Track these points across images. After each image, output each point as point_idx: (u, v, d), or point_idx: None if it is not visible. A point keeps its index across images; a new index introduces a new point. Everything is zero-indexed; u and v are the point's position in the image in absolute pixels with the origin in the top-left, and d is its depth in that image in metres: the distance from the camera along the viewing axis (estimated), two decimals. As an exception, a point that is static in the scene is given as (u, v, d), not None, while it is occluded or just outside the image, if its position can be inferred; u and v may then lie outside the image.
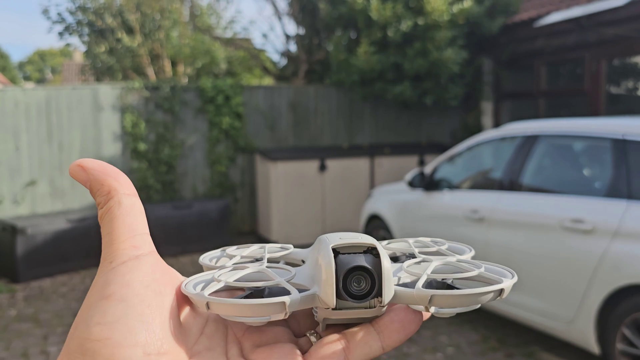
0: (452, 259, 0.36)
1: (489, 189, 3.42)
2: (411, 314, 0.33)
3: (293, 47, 8.06)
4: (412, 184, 3.98)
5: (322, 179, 5.62)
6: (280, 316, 0.31)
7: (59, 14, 7.99)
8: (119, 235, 0.32)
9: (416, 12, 5.45)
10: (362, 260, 0.31)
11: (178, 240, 5.31)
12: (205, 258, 0.40)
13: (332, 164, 5.64)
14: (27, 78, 35.14)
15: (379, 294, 0.31)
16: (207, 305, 0.31)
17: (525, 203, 3.09)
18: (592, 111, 5.16)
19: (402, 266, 0.35)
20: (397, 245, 0.41)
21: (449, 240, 0.41)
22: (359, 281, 0.31)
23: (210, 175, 6.12)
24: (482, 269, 0.34)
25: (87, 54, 8.33)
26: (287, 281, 0.33)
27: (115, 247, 0.31)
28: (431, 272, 0.33)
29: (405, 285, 0.33)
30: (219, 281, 0.33)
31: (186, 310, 0.33)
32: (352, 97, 6.44)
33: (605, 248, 2.54)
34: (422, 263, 0.36)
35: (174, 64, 8.38)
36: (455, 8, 5.36)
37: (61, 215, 5.02)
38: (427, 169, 3.97)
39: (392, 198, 4.30)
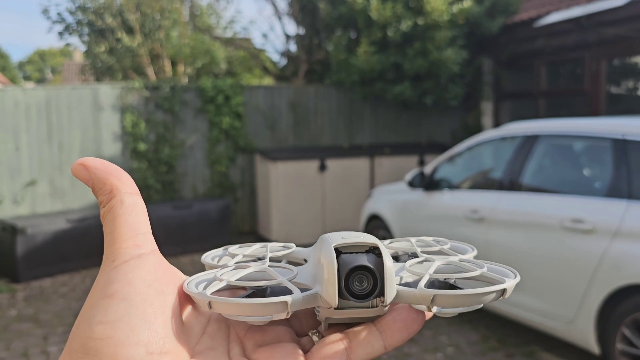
0: (454, 258, 0.36)
1: (489, 189, 3.42)
2: (413, 314, 0.33)
3: (293, 47, 8.06)
4: (412, 184, 3.98)
5: (322, 179, 5.62)
6: (282, 316, 0.31)
7: (59, 14, 7.99)
8: (121, 234, 0.32)
9: (416, 12, 5.45)
10: (365, 260, 0.31)
11: (178, 240, 5.31)
12: (208, 257, 0.40)
13: (332, 164, 5.64)
14: (27, 78, 35.14)
15: (381, 293, 0.31)
16: (209, 305, 0.31)
17: (525, 203, 3.09)
18: (592, 111, 5.16)
19: (405, 266, 0.35)
20: (399, 245, 0.41)
21: (452, 240, 0.41)
22: (361, 281, 0.31)
23: (210, 175, 6.12)
24: (485, 269, 0.33)
25: (87, 53, 8.32)
26: (289, 280, 0.33)
27: (117, 246, 0.31)
28: (433, 272, 0.33)
29: (407, 284, 0.33)
30: (221, 280, 0.33)
31: (188, 309, 0.33)
32: (352, 97, 6.44)
33: (605, 248, 2.54)
34: (424, 262, 0.36)
35: (174, 64, 8.38)
36: (455, 8, 5.36)
37: (61, 215, 5.01)
38: (427, 169, 3.97)
39: (392, 198, 4.30)
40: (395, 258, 0.41)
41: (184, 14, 8.53)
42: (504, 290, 0.31)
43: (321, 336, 0.34)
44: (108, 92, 5.67)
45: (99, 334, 0.28)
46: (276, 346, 0.33)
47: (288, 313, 0.30)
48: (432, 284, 0.33)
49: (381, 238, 0.33)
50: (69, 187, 5.51)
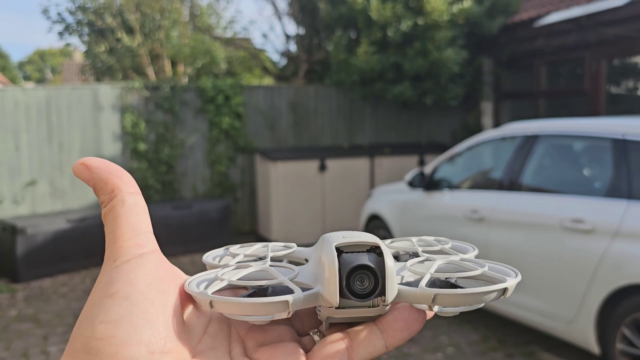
0: (455, 257, 0.36)
1: (489, 189, 3.42)
2: (415, 313, 0.33)
3: (293, 47, 8.06)
4: (412, 184, 3.98)
5: (322, 179, 5.62)
6: (284, 315, 0.31)
7: (59, 14, 7.99)
8: (123, 233, 0.32)
9: (416, 12, 5.45)
10: (366, 259, 0.31)
11: (178, 240, 5.31)
12: (209, 257, 0.40)
13: (332, 164, 5.64)
14: (27, 78, 35.14)
15: (383, 292, 0.31)
16: (211, 304, 0.31)
17: (525, 203, 3.09)
18: (592, 111, 5.16)
19: (406, 265, 0.35)
20: (400, 244, 0.41)
21: (453, 240, 0.41)
22: (362, 280, 0.31)
23: (210, 175, 6.12)
24: (486, 268, 0.33)
25: (87, 53, 8.32)
26: (291, 280, 0.33)
27: (119, 246, 0.31)
28: (435, 271, 0.33)
29: (408, 284, 0.33)
30: (222, 280, 0.33)
31: (189, 308, 0.33)
32: (352, 97, 6.44)
33: (605, 248, 2.54)
34: (425, 262, 0.36)
35: (174, 64, 8.38)
36: (455, 8, 5.36)
37: (61, 215, 5.01)
38: (427, 169, 3.97)
39: (392, 198, 4.30)
40: (396, 258, 0.41)
41: (184, 14, 8.53)
42: (505, 289, 0.31)
43: (322, 336, 0.34)
44: (108, 92, 5.67)
45: (101, 334, 0.28)
46: (277, 346, 0.33)
47: (289, 312, 0.30)
48: (434, 283, 0.33)
49: (381, 238, 0.33)
50: (69, 187, 5.51)
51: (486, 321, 3.56)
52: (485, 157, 3.86)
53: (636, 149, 2.63)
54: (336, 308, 0.32)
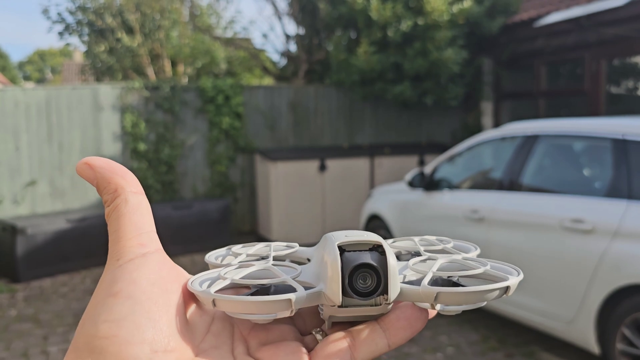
0: (457, 256, 0.36)
1: (489, 189, 3.42)
2: (417, 312, 0.33)
3: (293, 47, 8.06)
4: (412, 184, 3.98)
5: (322, 179, 5.62)
6: (287, 313, 0.31)
7: (59, 14, 7.99)
8: (126, 233, 0.32)
9: (416, 12, 5.45)
10: (368, 258, 0.31)
11: (178, 241, 5.31)
12: (211, 256, 0.40)
13: (332, 164, 5.64)
14: (27, 78, 35.13)
15: (385, 291, 0.31)
16: (214, 303, 0.31)
17: (525, 203, 3.09)
18: (592, 111, 5.16)
19: (408, 264, 0.35)
20: (402, 244, 0.41)
21: (454, 239, 0.41)
22: (364, 278, 0.31)
23: (210, 175, 6.12)
24: (488, 267, 0.34)
25: (87, 53, 8.32)
26: (293, 279, 0.33)
27: (122, 245, 0.31)
28: (437, 270, 0.33)
29: (411, 283, 0.33)
30: (225, 279, 0.33)
31: (192, 308, 0.33)
32: (352, 97, 6.45)
33: (605, 248, 2.55)
34: (427, 261, 0.36)
35: (174, 64, 8.38)
36: (455, 8, 5.36)
37: (61, 215, 5.01)
38: (427, 169, 3.97)
39: (392, 198, 4.30)
40: (398, 257, 0.41)
41: (184, 14, 8.53)
42: (507, 288, 0.31)
43: (325, 335, 0.34)
44: (108, 92, 5.67)
45: (104, 333, 0.28)
46: (280, 344, 0.33)
47: (292, 311, 0.30)
48: (436, 282, 0.34)
49: (382, 238, 0.33)
50: (69, 187, 5.51)
51: (486, 321, 3.56)
52: (485, 157, 3.86)
53: (636, 149, 2.63)
54: (339, 307, 0.32)
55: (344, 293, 0.31)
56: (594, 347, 2.62)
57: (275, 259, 0.39)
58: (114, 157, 5.65)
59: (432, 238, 0.41)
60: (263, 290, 0.34)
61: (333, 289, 0.31)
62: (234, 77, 8.39)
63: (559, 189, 3.11)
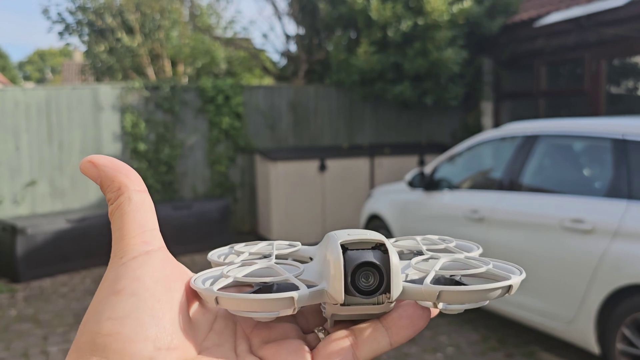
0: (460, 256, 0.36)
1: (489, 189, 3.42)
2: (419, 310, 0.33)
3: (293, 47, 8.06)
4: (412, 184, 3.98)
5: (322, 179, 5.62)
6: (289, 311, 0.31)
7: (59, 14, 7.99)
8: (129, 231, 0.32)
9: (416, 12, 5.45)
10: (371, 256, 0.31)
11: (178, 241, 5.31)
12: (214, 255, 0.40)
13: (332, 164, 5.64)
14: (27, 78, 35.13)
15: (387, 289, 0.31)
16: (216, 300, 0.31)
17: (525, 203, 3.09)
18: (592, 111, 5.16)
19: (410, 263, 0.35)
20: (405, 243, 0.42)
21: (457, 238, 0.41)
22: (367, 277, 0.31)
23: (210, 175, 6.12)
24: (490, 266, 0.34)
25: (87, 53, 8.32)
26: (296, 277, 0.33)
27: (125, 243, 0.32)
28: (439, 269, 0.34)
29: (413, 281, 0.33)
30: (227, 277, 0.33)
31: (195, 305, 0.33)
32: (352, 97, 6.45)
33: (605, 248, 2.55)
34: (430, 260, 0.36)
35: (174, 64, 8.38)
36: (455, 8, 5.36)
37: (61, 215, 5.01)
38: (427, 169, 3.98)
39: (392, 198, 4.30)
40: (400, 256, 0.41)
41: (184, 14, 8.53)
42: (509, 287, 0.31)
43: (327, 333, 0.34)
44: (108, 92, 5.67)
45: (107, 330, 0.28)
46: (282, 342, 0.33)
47: (295, 309, 0.30)
48: (438, 280, 0.34)
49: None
50: (69, 187, 5.51)
51: (486, 321, 3.56)
52: (485, 157, 3.86)
53: (636, 149, 2.63)
54: (341, 305, 0.32)
55: (347, 291, 0.31)
56: (594, 347, 2.62)
57: (277, 257, 0.39)
58: (114, 157, 5.62)
59: (435, 237, 0.41)
60: (266, 288, 0.34)
61: (335, 287, 0.31)
62: (234, 77, 8.40)
63: (559, 189, 3.11)
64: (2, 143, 5.19)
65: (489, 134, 3.66)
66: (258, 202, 6.11)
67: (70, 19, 8.01)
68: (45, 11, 7.96)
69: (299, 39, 7.67)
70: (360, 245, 0.32)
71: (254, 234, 6.23)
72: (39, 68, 36.84)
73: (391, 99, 5.98)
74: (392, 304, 0.33)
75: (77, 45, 16.18)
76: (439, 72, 5.54)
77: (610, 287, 2.51)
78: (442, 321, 3.56)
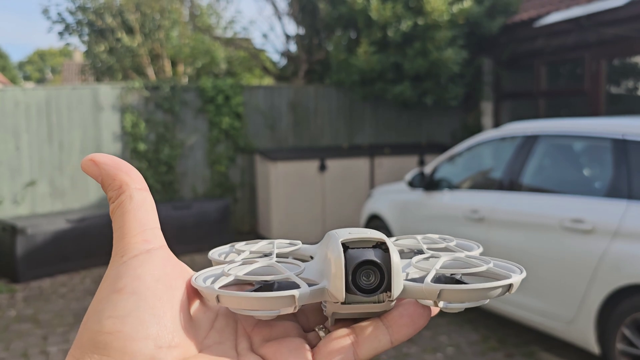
0: (460, 255, 0.36)
1: (489, 189, 3.42)
2: (420, 309, 0.33)
3: (293, 47, 8.06)
4: (412, 184, 3.98)
5: (322, 179, 5.62)
6: (290, 310, 0.31)
7: (59, 14, 7.99)
8: (130, 229, 0.32)
9: (416, 12, 5.45)
10: (372, 255, 0.31)
11: (178, 241, 5.31)
12: (215, 253, 0.40)
13: (332, 164, 5.64)
14: (27, 78, 35.13)
15: (388, 288, 0.31)
16: (217, 298, 0.31)
17: (525, 203, 3.09)
18: (592, 111, 5.16)
19: (411, 261, 0.35)
20: (405, 242, 0.42)
21: (457, 238, 0.41)
22: (368, 275, 0.31)
23: (210, 175, 6.12)
24: (491, 265, 0.34)
25: (87, 53, 8.32)
26: (296, 275, 0.33)
27: (126, 241, 0.32)
28: (440, 268, 0.34)
29: (414, 280, 0.33)
30: (228, 275, 0.33)
31: (196, 304, 0.33)
32: (352, 97, 6.45)
33: (605, 248, 2.55)
34: (430, 259, 0.36)
35: (174, 64, 8.38)
36: (455, 8, 5.36)
37: (61, 215, 5.01)
38: (427, 169, 3.98)
39: (392, 198, 4.30)
40: (401, 255, 0.41)
41: (184, 14, 8.53)
42: (510, 285, 0.31)
43: (328, 331, 0.34)
44: (108, 92, 5.67)
45: (108, 328, 0.28)
46: (283, 341, 0.33)
47: (296, 307, 0.30)
48: (439, 279, 0.34)
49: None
50: (69, 187, 5.51)
51: (486, 321, 3.56)
52: (485, 157, 3.86)
53: (636, 149, 2.63)
54: (342, 303, 0.32)
55: (347, 290, 0.31)
56: (594, 347, 2.62)
57: (278, 256, 0.39)
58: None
59: (435, 236, 0.41)
60: (266, 286, 0.34)
61: (336, 285, 0.31)
62: (234, 77, 8.40)
63: (559, 189, 3.11)
64: (2, 143, 5.19)
65: (489, 134, 3.66)
66: (258, 202, 6.11)
67: (70, 19, 8.02)
68: (45, 11, 7.96)
69: (299, 39, 7.67)
70: (361, 243, 0.33)
71: (254, 234, 6.23)
72: (39, 68, 36.84)
73: (391, 99, 5.98)
74: (393, 303, 0.33)
75: (77, 45, 16.19)
76: (439, 72, 5.54)
77: (610, 287, 2.51)
78: (442, 321, 3.56)
